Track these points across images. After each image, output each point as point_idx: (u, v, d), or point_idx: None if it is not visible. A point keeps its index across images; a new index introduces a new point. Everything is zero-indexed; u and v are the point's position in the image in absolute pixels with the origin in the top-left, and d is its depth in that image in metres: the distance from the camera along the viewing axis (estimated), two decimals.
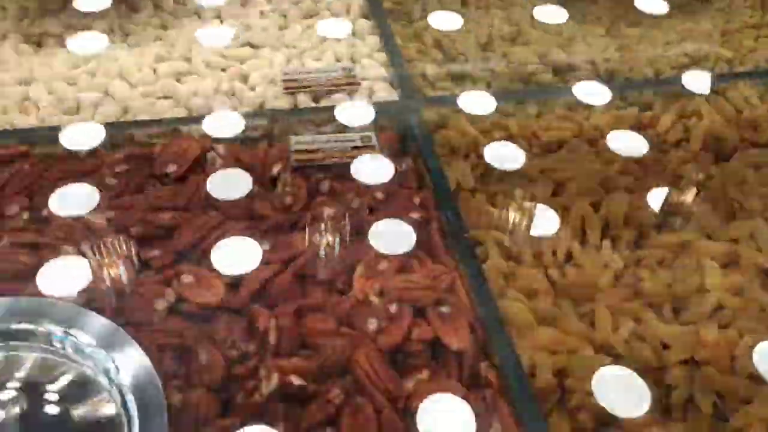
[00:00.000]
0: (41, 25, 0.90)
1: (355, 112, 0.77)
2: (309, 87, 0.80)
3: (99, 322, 0.49)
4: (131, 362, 0.47)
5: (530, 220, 0.68)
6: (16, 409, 0.47)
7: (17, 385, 0.49)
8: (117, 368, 0.48)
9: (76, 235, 0.64)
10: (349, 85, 0.81)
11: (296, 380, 0.54)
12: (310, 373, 0.55)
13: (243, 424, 0.52)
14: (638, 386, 0.55)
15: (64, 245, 0.63)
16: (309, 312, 0.59)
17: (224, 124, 0.74)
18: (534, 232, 0.68)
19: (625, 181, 0.73)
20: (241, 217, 0.66)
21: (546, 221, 0.69)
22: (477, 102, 0.80)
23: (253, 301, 0.60)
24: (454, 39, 0.91)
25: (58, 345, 0.50)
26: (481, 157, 0.74)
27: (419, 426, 0.51)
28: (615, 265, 0.65)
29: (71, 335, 0.49)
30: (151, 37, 0.89)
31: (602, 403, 0.53)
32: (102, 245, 0.63)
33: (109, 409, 0.48)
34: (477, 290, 0.62)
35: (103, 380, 0.48)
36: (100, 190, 0.67)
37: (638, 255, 0.66)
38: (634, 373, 0.55)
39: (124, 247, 0.63)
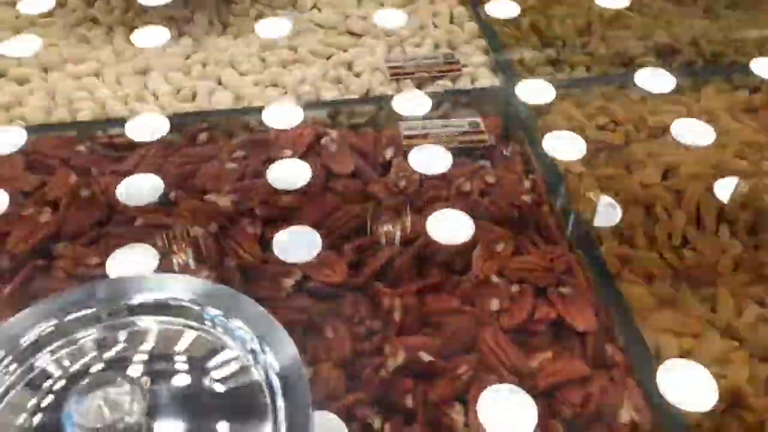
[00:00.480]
0: (144, 18, 0.94)
1: (408, 105, 0.78)
2: (413, 74, 0.81)
3: (251, 306, 0.51)
4: (279, 348, 0.48)
5: (641, 203, 0.68)
6: (160, 380, 0.49)
7: (162, 356, 0.51)
8: (264, 351, 0.49)
9: (202, 216, 0.67)
10: (452, 71, 0.82)
11: (425, 356, 0.56)
12: (436, 349, 0.57)
13: (371, 399, 0.54)
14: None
15: (193, 226, 0.66)
16: (431, 291, 0.61)
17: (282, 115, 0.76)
18: (645, 215, 0.68)
19: (740, 164, 0.72)
20: (358, 200, 0.68)
21: (658, 205, 0.68)
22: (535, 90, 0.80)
23: (375, 281, 0.62)
24: (551, 23, 0.91)
25: (209, 324, 0.52)
26: (586, 140, 0.74)
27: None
28: (734, 250, 0.64)
29: (222, 315, 0.51)
30: (250, 28, 0.92)
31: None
32: (228, 225, 0.66)
33: (253, 384, 0.49)
34: (595, 272, 0.62)
35: (250, 359, 0.49)
36: (223, 174, 0.70)
37: (757, 240, 0.65)
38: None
39: (250, 228, 0.66)
